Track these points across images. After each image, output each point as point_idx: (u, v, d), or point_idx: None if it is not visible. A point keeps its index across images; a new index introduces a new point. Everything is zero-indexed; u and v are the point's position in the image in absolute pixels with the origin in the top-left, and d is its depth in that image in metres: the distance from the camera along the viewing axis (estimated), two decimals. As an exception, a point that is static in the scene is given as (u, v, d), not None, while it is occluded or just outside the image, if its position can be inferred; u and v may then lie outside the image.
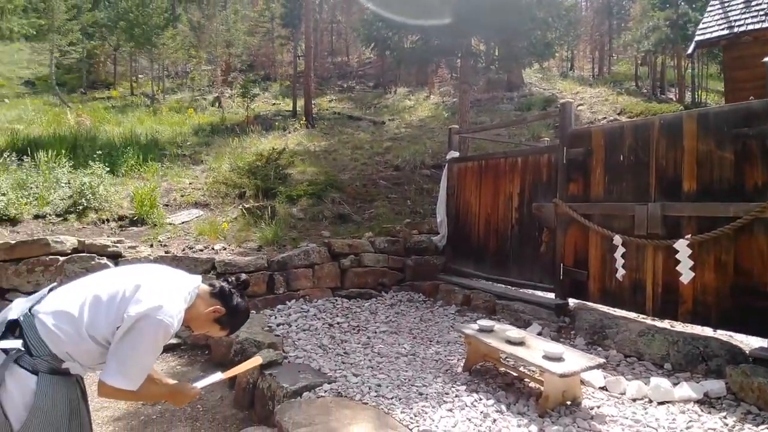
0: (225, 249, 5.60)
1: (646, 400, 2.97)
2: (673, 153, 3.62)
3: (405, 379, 3.24)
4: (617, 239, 3.88)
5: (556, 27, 9.76)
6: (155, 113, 13.31)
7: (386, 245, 5.90)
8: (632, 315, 3.97)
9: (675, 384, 3.04)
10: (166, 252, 5.20)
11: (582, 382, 3.05)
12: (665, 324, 3.85)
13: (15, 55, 19.53)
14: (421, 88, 18.15)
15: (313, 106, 13.74)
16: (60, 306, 1.57)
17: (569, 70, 23.05)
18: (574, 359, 2.84)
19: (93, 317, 1.56)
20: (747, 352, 3.21)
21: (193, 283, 1.77)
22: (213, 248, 5.56)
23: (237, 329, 1.95)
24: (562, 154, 4.48)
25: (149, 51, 16.57)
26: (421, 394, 3.01)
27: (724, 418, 2.70)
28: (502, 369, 3.33)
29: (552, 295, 4.57)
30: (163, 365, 4.08)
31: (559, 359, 2.79)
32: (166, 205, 6.85)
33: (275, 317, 4.64)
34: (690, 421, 2.67)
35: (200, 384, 1.87)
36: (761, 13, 7.78)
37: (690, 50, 9.00)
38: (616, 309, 4.07)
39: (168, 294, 1.63)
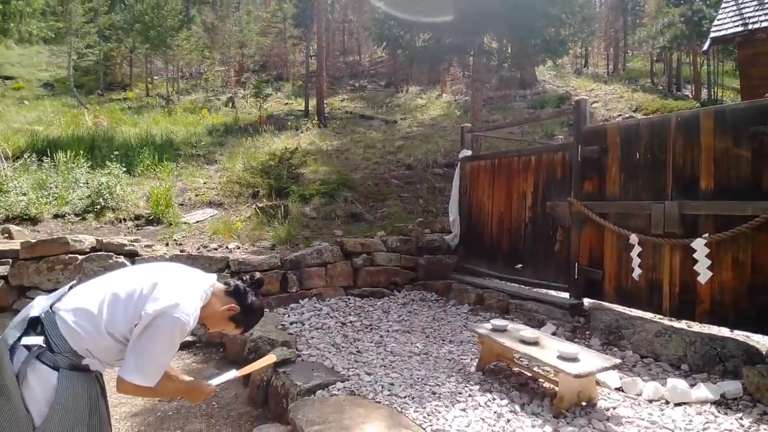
0: (239, 248, 5.65)
1: (663, 401, 2.93)
2: (690, 150, 3.56)
3: (418, 378, 3.24)
4: (633, 238, 3.83)
5: (570, 23, 9.64)
6: (170, 114, 13.49)
7: (398, 244, 5.90)
8: (649, 315, 3.91)
9: (692, 385, 3.00)
10: (182, 251, 5.27)
11: (597, 383, 3.02)
12: (682, 324, 3.79)
13: (34, 58, 19.93)
14: (433, 86, 18.08)
15: (325, 105, 13.79)
16: (80, 303, 1.60)
17: (583, 67, 22.76)
18: (590, 360, 2.82)
19: (112, 314, 1.59)
20: (764, 352, 3.17)
21: (209, 282, 1.79)
22: (227, 247, 5.62)
23: (251, 327, 1.97)
24: (576, 152, 4.43)
25: (164, 52, 16.80)
26: (434, 393, 3.00)
27: (740, 419, 2.66)
28: (516, 369, 3.31)
29: (566, 295, 4.53)
30: (178, 363, 4.14)
31: (574, 359, 2.77)
32: (181, 205, 6.94)
33: (288, 316, 4.67)
34: (706, 422, 2.64)
35: (215, 381, 1.90)
36: (775, 10, 7.60)
37: (705, 47, 8.84)
38: (632, 309, 4.01)
39: (184, 292, 1.65)
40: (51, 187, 6.47)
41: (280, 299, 5.03)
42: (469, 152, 6.18)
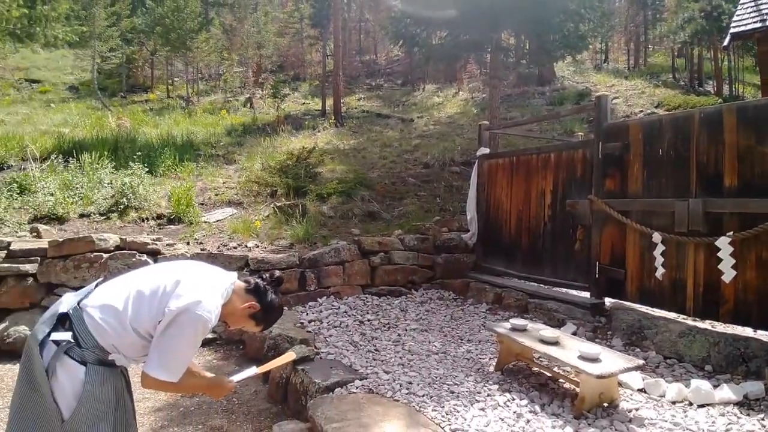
0: (258, 246, 5.72)
1: (686, 402, 2.87)
2: (714, 147, 3.48)
3: (436, 377, 3.24)
4: (657, 237, 3.75)
5: (590, 18, 9.48)
6: (190, 115, 13.72)
7: (416, 243, 5.89)
8: (672, 315, 3.83)
9: (715, 386, 2.95)
10: (202, 249, 5.35)
11: (620, 384, 2.97)
12: (706, 324, 3.71)
13: (60, 62, 20.48)
14: (450, 84, 17.98)
15: (341, 104, 13.84)
16: (106, 300, 1.64)
17: (603, 63, 22.34)
18: (612, 360, 2.77)
19: (136, 311, 1.63)
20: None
21: (230, 280, 1.82)
22: (246, 246, 5.69)
23: (271, 325, 1.99)
24: (597, 148, 4.36)
25: (184, 54, 17.08)
26: (452, 392, 2.99)
27: (762, 419, 2.62)
28: (536, 369, 3.28)
29: (587, 294, 4.46)
30: (200, 359, 4.21)
31: (595, 360, 2.73)
32: (201, 204, 7.05)
33: (307, 314, 4.71)
34: (729, 423, 2.60)
35: (236, 378, 1.93)
36: (791, 6, 7.37)
37: (725, 42, 8.62)
38: (655, 309, 3.93)
39: (206, 290, 1.68)
40: (77, 188, 6.64)
41: (298, 297, 5.08)
42: (486, 150, 6.14)
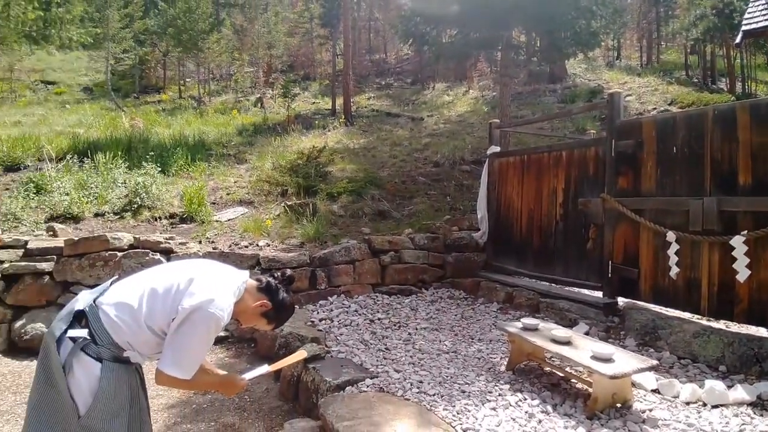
0: (269, 245, 5.76)
1: (700, 403, 2.84)
2: (728, 145, 3.43)
3: (447, 377, 3.23)
4: (671, 236, 3.70)
5: (602, 15, 9.38)
6: (202, 115, 13.85)
7: (426, 242, 5.88)
8: (686, 315, 3.78)
9: (729, 386, 2.91)
10: (214, 248, 5.40)
11: (633, 384, 2.94)
12: (720, 324, 3.65)
13: (74, 64, 20.79)
14: (460, 83, 17.90)
15: (351, 104, 13.86)
16: (121, 298, 1.67)
17: (616, 60, 22.07)
18: (625, 360, 2.74)
19: (151, 309, 1.65)
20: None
21: (242, 278, 1.84)
22: (257, 245, 5.74)
23: (282, 323, 2.00)
24: (610, 146, 4.32)
25: (195, 55, 17.23)
26: (463, 391, 2.99)
27: (778, 421, 2.57)
28: (548, 369, 3.25)
29: (599, 294, 4.42)
30: (212, 357, 4.25)
31: (608, 360, 2.70)
32: (213, 203, 7.12)
33: (317, 312, 4.73)
34: (743, 424, 2.57)
35: (248, 376, 1.95)
36: (801, 4, 7.24)
37: (738, 39, 8.48)
38: (669, 309, 3.89)
39: (219, 288, 1.70)
40: (91, 187, 6.74)
41: (309, 296, 5.10)
42: (497, 148, 6.10)
